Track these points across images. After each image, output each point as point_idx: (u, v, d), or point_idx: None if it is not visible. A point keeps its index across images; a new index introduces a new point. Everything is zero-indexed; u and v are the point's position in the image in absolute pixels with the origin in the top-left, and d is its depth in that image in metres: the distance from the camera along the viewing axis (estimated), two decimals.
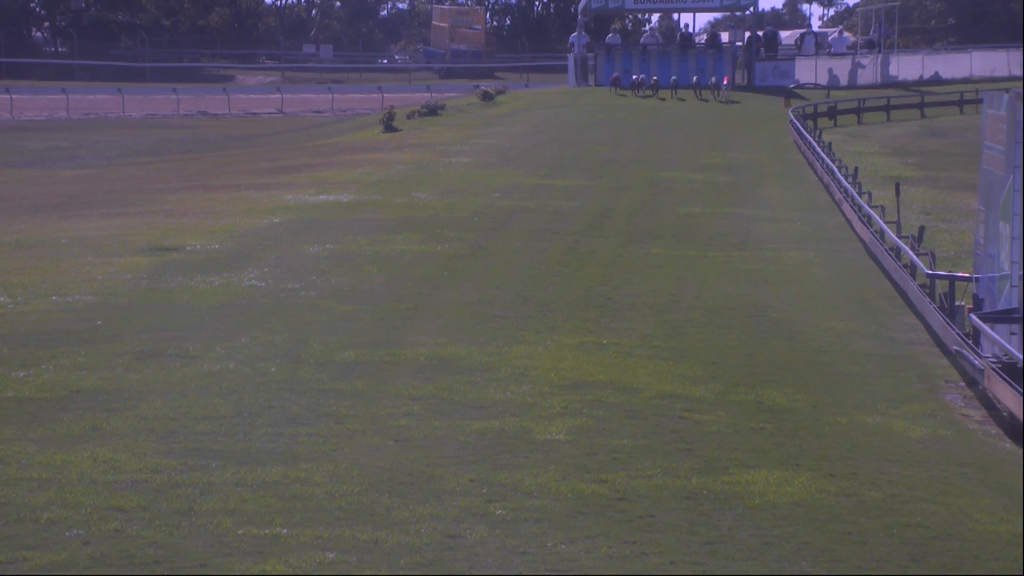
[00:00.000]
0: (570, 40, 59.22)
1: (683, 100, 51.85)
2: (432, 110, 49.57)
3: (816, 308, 18.61)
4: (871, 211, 24.15)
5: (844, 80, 58.51)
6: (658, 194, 29.81)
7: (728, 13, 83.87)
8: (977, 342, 15.66)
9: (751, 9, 60.17)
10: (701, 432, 12.47)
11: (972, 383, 14.96)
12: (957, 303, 17.13)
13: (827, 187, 30.49)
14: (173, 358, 14.62)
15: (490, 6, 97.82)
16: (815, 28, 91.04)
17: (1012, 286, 15.43)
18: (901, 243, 20.92)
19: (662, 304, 18.41)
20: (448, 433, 12.14)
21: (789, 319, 17.82)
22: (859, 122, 48.03)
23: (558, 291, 19.00)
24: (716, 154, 37.28)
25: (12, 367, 14.16)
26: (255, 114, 62.23)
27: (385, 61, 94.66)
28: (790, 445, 12.23)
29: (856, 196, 25.93)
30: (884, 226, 22.60)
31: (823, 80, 58.31)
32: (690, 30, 62.70)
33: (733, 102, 51.46)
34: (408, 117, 47.94)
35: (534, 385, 13.82)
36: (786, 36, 74.12)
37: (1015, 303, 15.36)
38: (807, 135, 37.05)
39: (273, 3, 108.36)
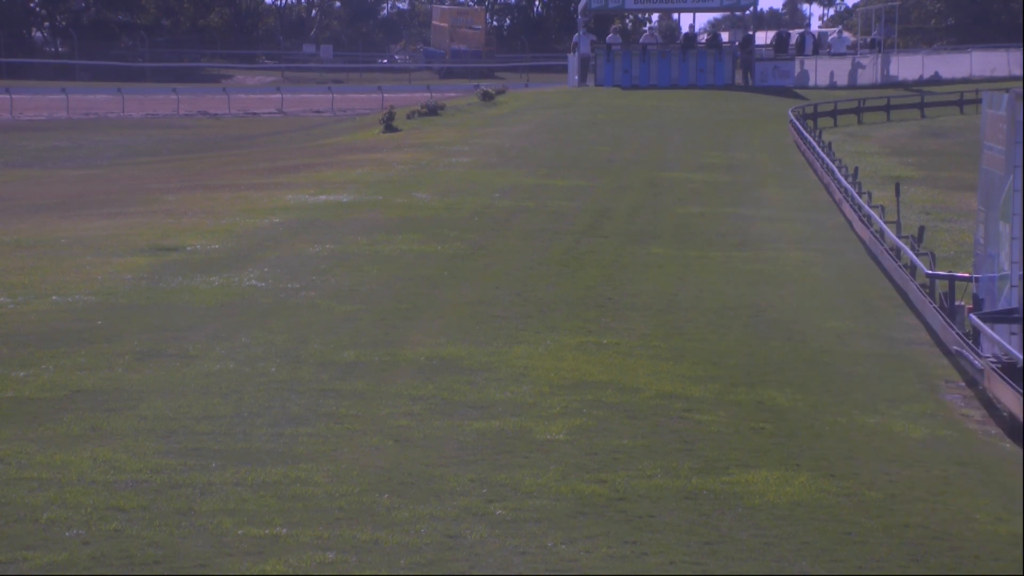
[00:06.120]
0: (575, 39, 59.23)
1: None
2: (432, 110, 49.55)
3: (816, 308, 18.61)
4: (871, 211, 24.15)
5: (844, 80, 58.51)
6: (658, 194, 29.81)
7: (728, 13, 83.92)
8: (977, 342, 15.66)
9: (751, 9, 60.18)
10: (701, 432, 12.47)
11: (972, 383, 14.96)
12: (957, 303, 17.13)
13: (827, 187, 30.48)
14: (173, 358, 14.61)
15: (490, 6, 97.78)
16: (815, 28, 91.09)
17: (1012, 286, 15.43)
18: (901, 243, 20.91)
19: (662, 304, 18.41)
20: (448, 433, 12.14)
21: (789, 319, 17.82)
22: (859, 122, 48.03)
23: (558, 291, 18.99)
24: (716, 154, 37.27)
25: (12, 367, 14.16)
26: (255, 114, 62.21)
27: (385, 61, 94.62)
28: (790, 445, 12.23)
29: (856, 196, 25.93)
30: (884, 226, 22.60)
31: (823, 81, 58.32)
32: (693, 30, 62.73)
33: None
34: (408, 117, 47.93)
35: (534, 385, 13.82)
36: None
37: (1015, 303, 15.35)
38: (807, 135, 37.05)
39: (273, 3, 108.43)
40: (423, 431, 12.17)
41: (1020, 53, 59.16)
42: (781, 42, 61.62)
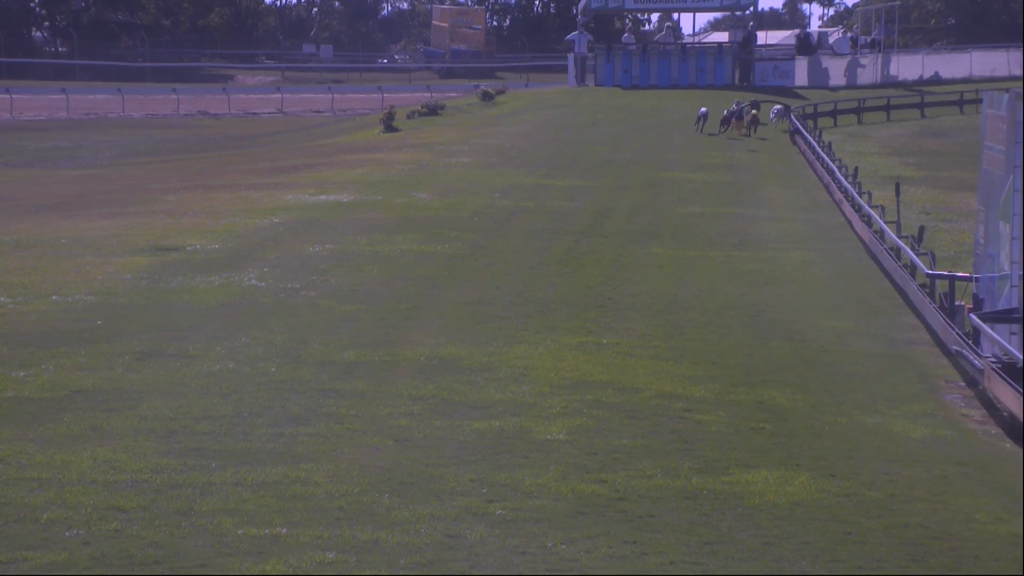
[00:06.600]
0: (569, 39, 59.21)
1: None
2: (432, 110, 49.56)
3: (816, 308, 18.61)
4: (871, 211, 24.15)
5: (844, 80, 58.51)
6: (658, 194, 29.82)
7: (728, 13, 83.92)
8: (977, 342, 15.66)
9: (751, 9, 60.17)
10: (701, 432, 12.47)
11: (972, 383, 14.96)
12: (957, 303, 17.13)
13: (827, 187, 30.49)
14: (173, 358, 14.61)
15: (490, 6, 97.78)
16: (815, 28, 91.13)
17: (1012, 286, 15.43)
18: (901, 243, 20.92)
19: (662, 304, 18.40)
20: (448, 433, 12.14)
21: (789, 319, 17.81)
22: (859, 122, 48.04)
23: (558, 291, 19.00)
24: (716, 154, 37.28)
25: (12, 367, 14.16)
26: (255, 114, 62.20)
27: (385, 61, 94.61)
28: (790, 445, 12.23)
29: (856, 196, 25.94)
30: (884, 226, 22.61)
31: (823, 81, 58.30)
32: (695, 30, 62.77)
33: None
34: (408, 117, 47.94)
35: (534, 385, 13.81)
36: (785, 36, 74.20)
37: (1015, 303, 15.35)
38: (807, 135, 37.05)
39: (273, 3, 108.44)
40: (423, 431, 12.17)
41: (1020, 53, 59.15)
42: (803, 42, 61.58)
